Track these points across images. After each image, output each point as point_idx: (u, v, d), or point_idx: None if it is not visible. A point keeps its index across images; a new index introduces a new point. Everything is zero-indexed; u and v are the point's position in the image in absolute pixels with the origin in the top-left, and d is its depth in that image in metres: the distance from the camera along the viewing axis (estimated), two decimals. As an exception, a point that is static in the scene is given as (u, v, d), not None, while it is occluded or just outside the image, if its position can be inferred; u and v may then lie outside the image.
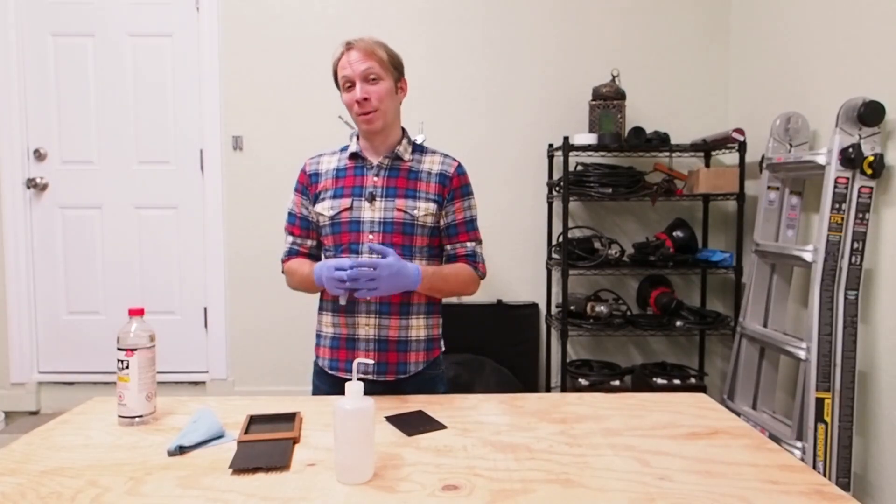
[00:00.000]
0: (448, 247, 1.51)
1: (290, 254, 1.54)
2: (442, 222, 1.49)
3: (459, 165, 1.51)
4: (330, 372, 1.48)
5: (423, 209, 1.44)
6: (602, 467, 1.00)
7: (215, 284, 2.90)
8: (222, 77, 2.85)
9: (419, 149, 1.51)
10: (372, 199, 1.44)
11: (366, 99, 1.39)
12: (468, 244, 1.50)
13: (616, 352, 2.93)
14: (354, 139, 1.51)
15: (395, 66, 1.45)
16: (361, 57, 1.39)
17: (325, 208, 1.46)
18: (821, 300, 1.94)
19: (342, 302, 1.37)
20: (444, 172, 1.48)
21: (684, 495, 0.90)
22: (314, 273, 1.37)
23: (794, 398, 2.08)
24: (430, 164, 1.49)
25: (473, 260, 1.51)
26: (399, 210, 1.43)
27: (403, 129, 1.51)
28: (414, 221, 1.43)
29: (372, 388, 1.40)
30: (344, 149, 1.52)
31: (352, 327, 1.44)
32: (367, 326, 1.43)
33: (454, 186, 1.48)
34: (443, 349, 1.55)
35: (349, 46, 1.41)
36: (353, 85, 1.40)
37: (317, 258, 1.54)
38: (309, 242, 1.53)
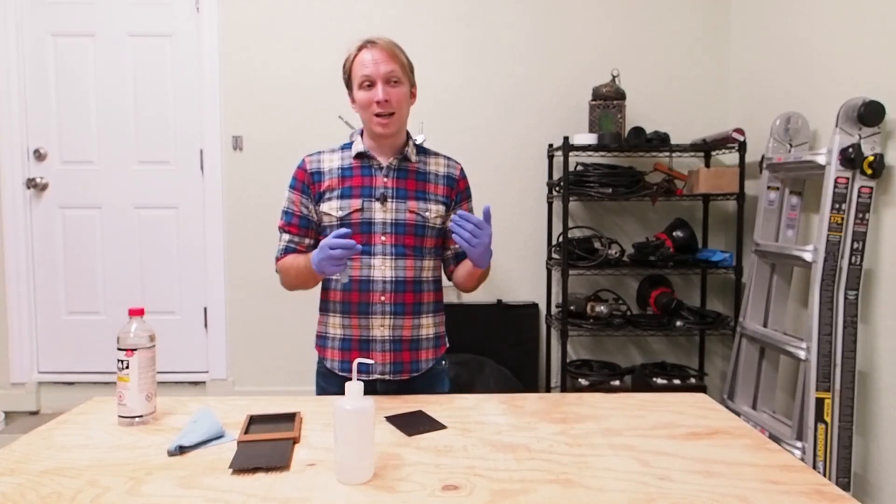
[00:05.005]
0: (456, 246, 1.52)
1: (286, 252, 1.50)
2: (452, 216, 1.49)
3: (462, 168, 1.55)
4: (341, 374, 1.47)
5: (434, 211, 1.46)
6: (602, 467, 1.00)
7: (215, 284, 2.90)
8: (222, 77, 2.85)
9: (421, 150, 1.52)
10: (384, 200, 1.43)
11: (387, 101, 1.38)
12: None
13: (616, 352, 2.93)
14: (359, 138, 1.49)
15: (411, 71, 1.46)
16: (385, 57, 1.38)
17: (332, 208, 1.44)
18: (821, 300, 1.94)
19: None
20: (450, 175, 1.51)
21: (684, 495, 0.90)
22: (311, 259, 1.34)
23: (794, 398, 2.08)
24: (436, 167, 1.50)
25: None
26: (411, 212, 1.44)
27: (407, 131, 1.52)
28: (425, 223, 1.45)
29: (386, 388, 1.44)
30: (345, 147, 1.51)
31: (365, 329, 1.44)
32: (382, 328, 1.43)
33: (461, 189, 1.53)
34: (447, 345, 1.56)
35: (371, 44, 1.39)
36: (372, 84, 1.38)
37: None
38: (307, 241, 1.50)
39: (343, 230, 1.28)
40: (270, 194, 2.84)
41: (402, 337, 1.45)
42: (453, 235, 1.29)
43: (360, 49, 1.40)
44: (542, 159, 2.88)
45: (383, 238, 1.42)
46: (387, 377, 1.44)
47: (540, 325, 2.87)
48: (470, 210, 1.55)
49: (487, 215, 1.30)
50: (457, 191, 1.51)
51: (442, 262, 1.56)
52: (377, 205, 1.43)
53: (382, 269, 1.42)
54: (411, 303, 1.44)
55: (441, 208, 1.47)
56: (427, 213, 1.45)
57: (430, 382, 1.50)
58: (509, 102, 2.87)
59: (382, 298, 1.42)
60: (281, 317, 2.89)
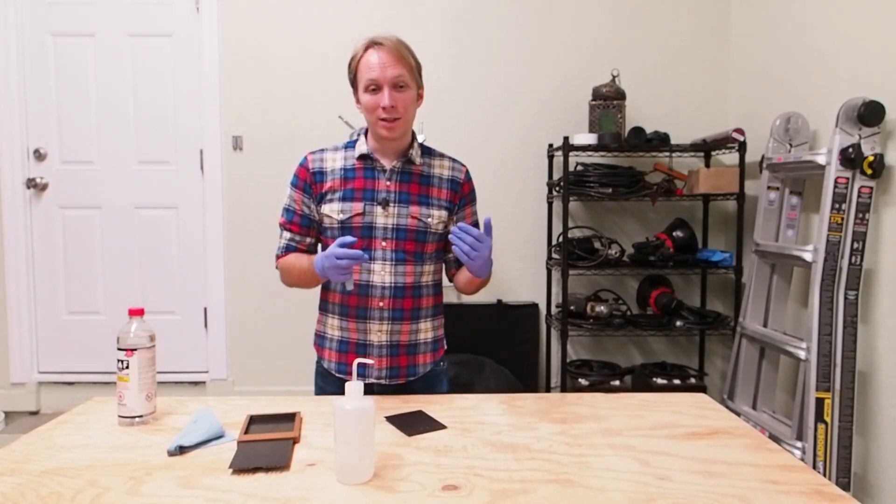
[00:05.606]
0: None
1: (287, 250, 1.49)
2: (452, 227, 1.48)
3: (467, 171, 1.52)
4: (338, 375, 1.47)
5: (437, 217, 1.44)
6: (602, 467, 1.00)
7: (215, 284, 2.90)
8: (222, 77, 2.85)
9: (426, 151, 1.50)
10: (386, 204, 1.41)
11: (393, 107, 1.35)
12: None
13: (616, 352, 2.93)
14: (363, 138, 1.46)
15: (419, 73, 1.43)
16: (392, 60, 1.34)
17: (333, 211, 1.42)
18: (821, 300, 1.94)
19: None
20: (455, 179, 1.48)
21: (684, 495, 0.90)
22: (315, 264, 1.35)
23: (794, 398, 2.08)
24: (441, 169, 1.48)
25: None
26: (413, 217, 1.41)
27: (412, 132, 1.50)
28: (427, 229, 1.43)
29: (383, 390, 1.43)
30: (348, 146, 1.47)
31: (363, 332, 1.43)
32: (379, 332, 1.42)
33: (465, 193, 1.50)
34: (445, 347, 1.56)
35: (378, 45, 1.35)
36: (378, 88, 1.35)
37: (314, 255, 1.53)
38: (308, 240, 1.49)
39: (349, 239, 1.27)
40: (270, 194, 2.84)
41: (400, 342, 1.44)
42: (453, 248, 1.28)
43: (366, 49, 1.36)
44: (541, 159, 2.88)
45: (384, 243, 1.41)
46: (383, 381, 1.44)
47: (540, 325, 2.87)
48: (474, 213, 1.53)
49: (488, 227, 1.28)
50: (461, 195, 1.48)
51: (444, 263, 1.55)
52: (379, 209, 1.41)
53: (382, 274, 1.41)
54: (410, 308, 1.43)
55: (444, 213, 1.45)
56: (429, 219, 1.43)
57: (429, 384, 1.49)
58: (509, 102, 2.87)
59: (381, 304, 1.41)
60: (281, 317, 2.89)
